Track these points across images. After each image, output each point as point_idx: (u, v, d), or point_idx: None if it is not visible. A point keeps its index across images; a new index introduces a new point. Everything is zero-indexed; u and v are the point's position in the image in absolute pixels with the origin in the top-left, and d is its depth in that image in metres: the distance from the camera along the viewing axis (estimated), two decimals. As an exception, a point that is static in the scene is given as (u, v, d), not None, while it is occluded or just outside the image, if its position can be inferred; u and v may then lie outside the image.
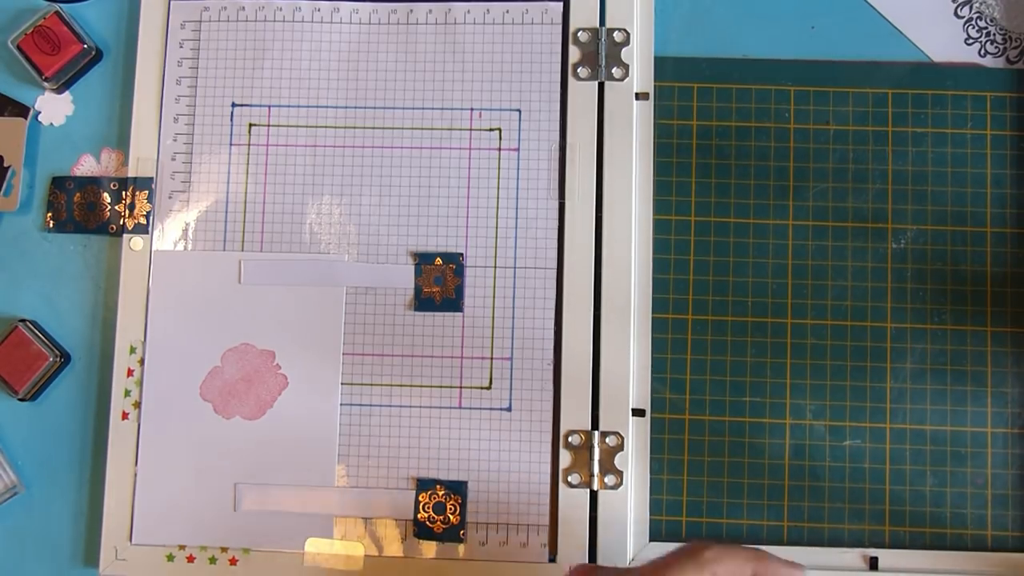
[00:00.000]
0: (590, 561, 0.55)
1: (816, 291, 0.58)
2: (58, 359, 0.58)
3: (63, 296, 0.59)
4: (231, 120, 0.60)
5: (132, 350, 0.57)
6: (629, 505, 0.56)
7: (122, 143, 0.60)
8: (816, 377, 0.57)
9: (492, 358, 0.57)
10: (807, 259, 0.58)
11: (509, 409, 0.57)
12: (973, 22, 0.60)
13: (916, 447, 0.57)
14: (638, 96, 0.59)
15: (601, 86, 0.59)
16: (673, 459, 0.57)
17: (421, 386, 0.57)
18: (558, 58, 0.59)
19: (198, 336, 0.58)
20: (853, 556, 0.56)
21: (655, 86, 0.59)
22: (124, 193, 0.59)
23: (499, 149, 0.59)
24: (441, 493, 0.56)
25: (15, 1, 0.61)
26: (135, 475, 0.57)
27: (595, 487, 0.56)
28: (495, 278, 0.58)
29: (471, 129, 0.59)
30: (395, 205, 0.59)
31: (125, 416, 0.57)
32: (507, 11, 0.60)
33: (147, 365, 0.57)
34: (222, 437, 0.57)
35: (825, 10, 0.60)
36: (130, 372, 0.57)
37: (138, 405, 0.57)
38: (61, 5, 0.61)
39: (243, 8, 0.60)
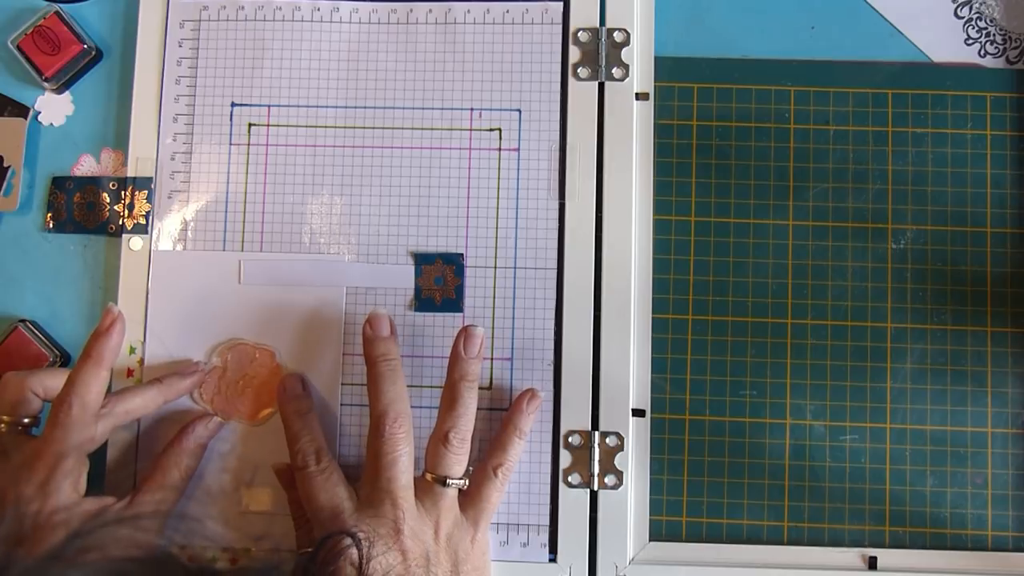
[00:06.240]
0: (590, 561, 0.55)
1: (816, 291, 0.58)
2: (58, 359, 0.58)
3: (63, 296, 0.59)
4: (231, 120, 0.60)
5: (132, 350, 0.57)
6: (629, 505, 0.56)
7: (122, 143, 0.60)
8: (816, 377, 0.57)
9: (492, 358, 0.57)
10: (807, 259, 0.58)
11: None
12: (973, 22, 0.60)
13: (916, 447, 0.57)
14: (638, 96, 0.59)
15: (601, 86, 0.59)
16: (673, 459, 0.57)
17: (421, 386, 0.57)
18: (558, 58, 0.59)
19: (198, 336, 0.58)
20: (853, 556, 0.56)
21: (655, 86, 0.59)
22: (123, 193, 0.59)
23: (499, 149, 0.59)
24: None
25: (15, 1, 0.61)
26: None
27: (595, 487, 0.56)
28: (495, 278, 0.58)
29: (471, 129, 0.59)
30: (395, 205, 0.59)
31: (125, 416, 0.57)
32: (507, 11, 0.60)
33: (147, 365, 0.57)
34: (222, 437, 0.57)
35: (825, 10, 0.60)
36: (130, 372, 0.57)
37: (138, 405, 0.57)
38: (61, 5, 0.61)
39: (242, 7, 0.60)
